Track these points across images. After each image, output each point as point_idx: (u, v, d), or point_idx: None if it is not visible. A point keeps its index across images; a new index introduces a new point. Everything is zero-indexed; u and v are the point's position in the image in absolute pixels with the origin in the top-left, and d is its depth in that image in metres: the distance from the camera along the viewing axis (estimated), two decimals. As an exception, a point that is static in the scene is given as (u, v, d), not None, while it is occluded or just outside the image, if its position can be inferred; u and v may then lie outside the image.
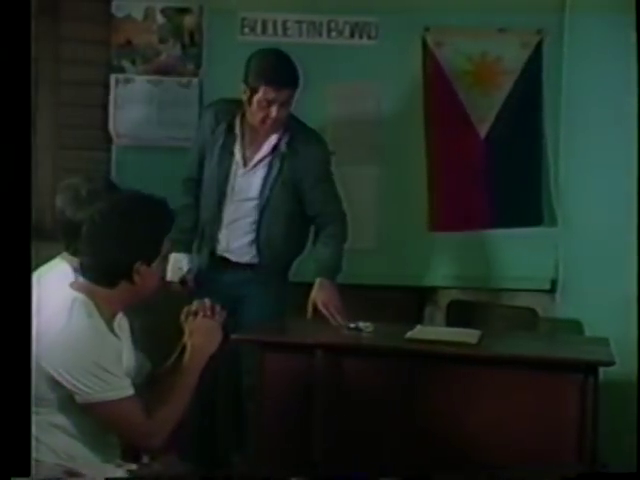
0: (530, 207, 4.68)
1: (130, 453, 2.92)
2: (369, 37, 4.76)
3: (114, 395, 2.72)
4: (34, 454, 2.66)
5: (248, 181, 4.16)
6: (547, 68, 4.66)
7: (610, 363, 3.72)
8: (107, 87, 4.81)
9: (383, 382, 3.82)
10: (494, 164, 4.68)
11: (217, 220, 4.19)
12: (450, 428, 3.75)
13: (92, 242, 2.78)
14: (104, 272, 2.79)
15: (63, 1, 4.78)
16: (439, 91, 4.70)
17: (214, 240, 4.21)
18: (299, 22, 4.78)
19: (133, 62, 4.82)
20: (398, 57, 4.72)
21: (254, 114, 4.06)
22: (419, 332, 3.99)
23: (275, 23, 4.79)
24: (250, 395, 4.02)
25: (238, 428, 4.41)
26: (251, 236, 4.17)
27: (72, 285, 2.84)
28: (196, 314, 2.96)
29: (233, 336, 3.59)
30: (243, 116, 4.15)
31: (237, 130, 4.16)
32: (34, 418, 2.66)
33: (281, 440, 3.83)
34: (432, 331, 4.04)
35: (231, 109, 4.18)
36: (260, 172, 4.14)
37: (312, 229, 4.26)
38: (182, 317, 2.98)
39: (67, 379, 2.69)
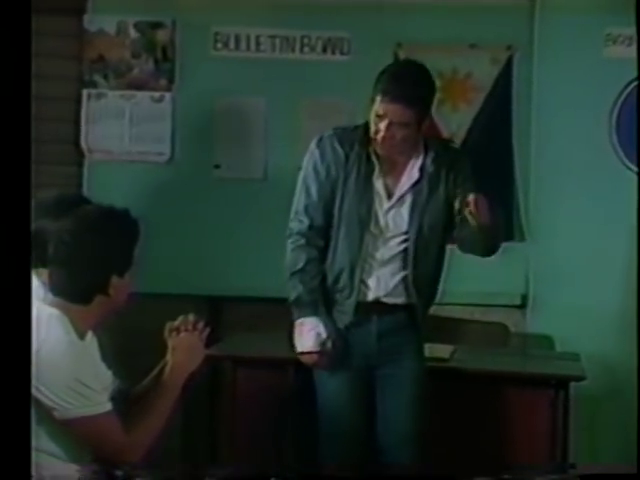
0: (501, 222, 4.72)
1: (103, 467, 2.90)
2: (341, 53, 4.77)
3: (93, 410, 2.71)
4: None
5: (396, 215, 3.60)
6: (517, 84, 4.67)
7: (581, 378, 3.76)
8: (79, 102, 4.80)
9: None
10: (465, 180, 4.71)
11: (365, 263, 3.59)
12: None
13: (64, 261, 2.77)
14: (80, 289, 2.78)
15: (34, 15, 4.76)
16: (411, 107, 4.72)
17: (362, 286, 3.61)
18: (272, 37, 4.78)
19: (105, 77, 4.81)
20: (370, 73, 4.71)
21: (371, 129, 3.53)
22: (392, 347, 4.01)
23: (248, 38, 4.79)
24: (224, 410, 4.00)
25: (212, 443, 4.40)
26: (403, 274, 3.62)
27: (45, 301, 2.81)
28: (178, 330, 2.96)
29: (206, 352, 3.57)
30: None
31: (373, 157, 3.56)
32: None
33: (253, 455, 3.84)
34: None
35: (355, 135, 3.61)
36: (408, 202, 3.60)
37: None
38: (165, 333, 2.97)
39: (47, 395, 2.68)
